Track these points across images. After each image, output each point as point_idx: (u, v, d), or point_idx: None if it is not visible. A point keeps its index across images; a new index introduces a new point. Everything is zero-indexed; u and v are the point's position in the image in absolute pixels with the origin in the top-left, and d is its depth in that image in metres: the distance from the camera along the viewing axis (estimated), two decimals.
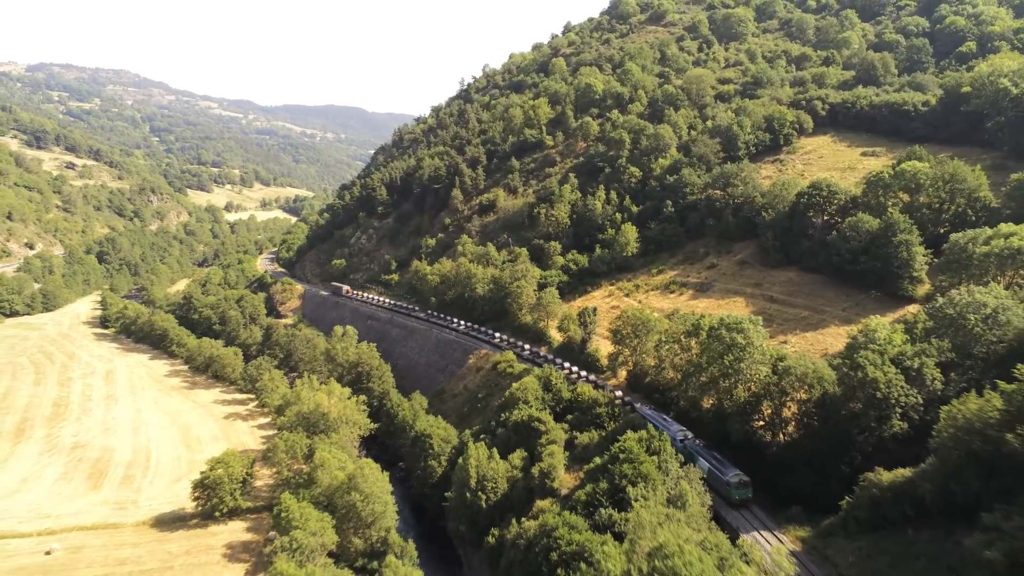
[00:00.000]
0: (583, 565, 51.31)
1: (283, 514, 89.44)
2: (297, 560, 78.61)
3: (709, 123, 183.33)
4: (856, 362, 73.02)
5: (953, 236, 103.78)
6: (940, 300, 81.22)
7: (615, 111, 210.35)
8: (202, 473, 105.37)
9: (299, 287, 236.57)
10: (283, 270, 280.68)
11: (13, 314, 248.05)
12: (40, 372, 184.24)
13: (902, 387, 69.58)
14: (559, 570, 55.25)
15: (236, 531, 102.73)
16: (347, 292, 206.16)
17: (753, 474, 76.81)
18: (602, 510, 65.77)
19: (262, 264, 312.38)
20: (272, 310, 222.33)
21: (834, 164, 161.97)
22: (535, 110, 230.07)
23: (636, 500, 59.55)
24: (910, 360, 72.70)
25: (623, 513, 59.60)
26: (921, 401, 69.52)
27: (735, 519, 72.11)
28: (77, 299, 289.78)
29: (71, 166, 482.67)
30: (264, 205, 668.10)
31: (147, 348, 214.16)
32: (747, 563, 52.59)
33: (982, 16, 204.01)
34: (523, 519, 78.86)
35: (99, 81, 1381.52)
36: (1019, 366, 54.99)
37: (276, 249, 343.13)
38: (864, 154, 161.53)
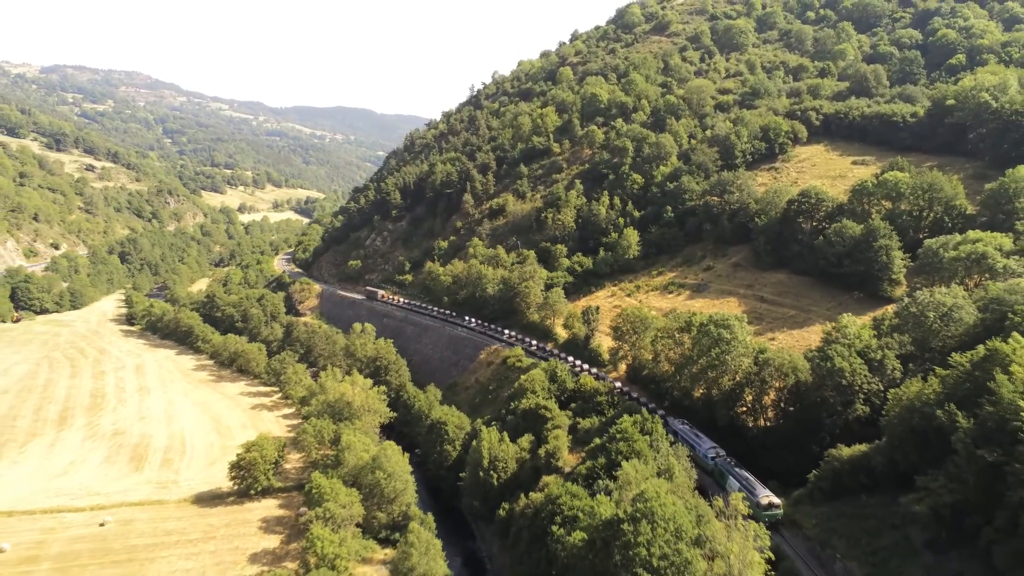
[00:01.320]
0: (580, 515, 61.03)
1: (314, 490, 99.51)
2: (330, 527, 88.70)
3: (708, 132, 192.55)
4: (826, 354, 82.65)
5: (927, 242, 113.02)
6: (906, 300, 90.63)
7: (619, 120, 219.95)
8: (238, 455, 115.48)
9: (316, 287, 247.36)
10: (300, 270, 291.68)
11: (43, 311, 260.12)
12: (75, 366, 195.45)
13: (865, 375, 79.10)
14: (561, 528, 65.08)
15: (270, 508, 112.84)
16: (383, 297, 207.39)
17: (736, 454, 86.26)
18: (599, 481, 75.48)
19: (279, 264, 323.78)
20: (291, 308, 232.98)
21: (826, 172, 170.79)
22: (543, 118, 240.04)
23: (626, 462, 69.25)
24: (874, 352, 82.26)
25: (616, 478, 69.17)
26: (882, 388, 78.82)
27: (716, 491, 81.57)
28: (102, 297, 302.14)
29: (90, 168, 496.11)
30: (276, 206, 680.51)
31: (173, 344, 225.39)
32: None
33: (972, 29, 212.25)
34: (530, 493, 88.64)
35: (112, 83, 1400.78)
36: (954, 355, 64.50)
37: (292, 250, 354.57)
38: (855, 163, 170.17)
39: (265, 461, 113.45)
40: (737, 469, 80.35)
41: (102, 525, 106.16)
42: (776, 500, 72.75)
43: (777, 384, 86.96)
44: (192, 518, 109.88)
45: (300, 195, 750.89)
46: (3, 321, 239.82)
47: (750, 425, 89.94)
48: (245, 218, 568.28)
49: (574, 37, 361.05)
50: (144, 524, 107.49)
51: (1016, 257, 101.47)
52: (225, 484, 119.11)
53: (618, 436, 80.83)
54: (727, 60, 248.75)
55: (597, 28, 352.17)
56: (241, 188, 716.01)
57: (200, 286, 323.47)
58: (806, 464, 78.52)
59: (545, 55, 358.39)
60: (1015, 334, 62.52)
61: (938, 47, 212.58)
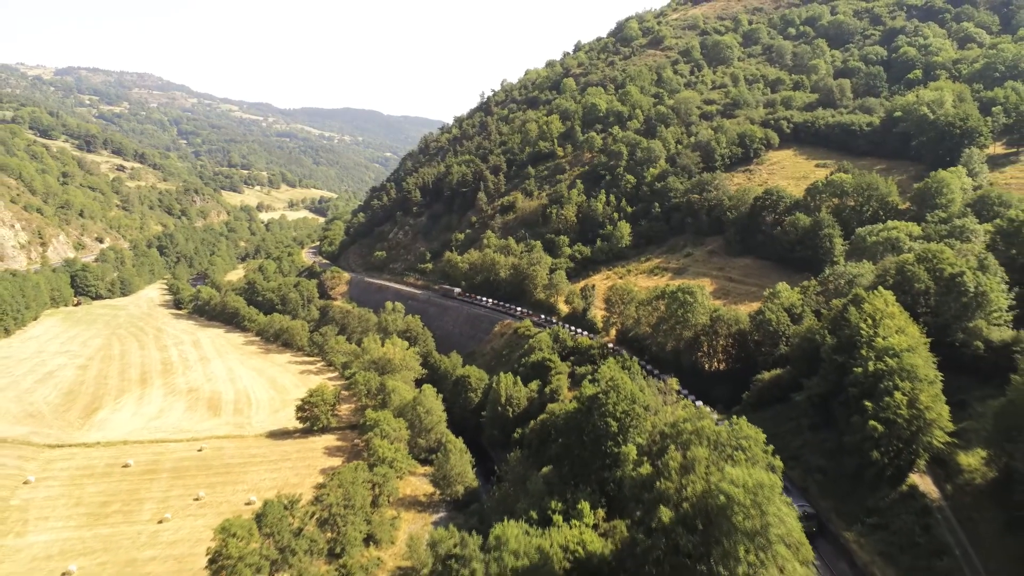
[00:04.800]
0: (572, 401, 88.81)
1: (369, 421, 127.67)
2: (386, 441, 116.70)
3: (693, 139, 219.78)
4: (761, 309, 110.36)
5: (858, 230, 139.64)
6: (826, 272, 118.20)
7: (616, 127, 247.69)
8: (302, 399, 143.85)
9: (346, 275, 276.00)
10: (327, 261, 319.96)
11: (98, 297, 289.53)
12: (140, 341, 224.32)
13: (787, 324, 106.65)
14: (558, 417, 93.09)
15: (330, 441, 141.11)
16: (458, 294, 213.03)
17: (695, 388, 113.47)
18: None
19: (307, 256, 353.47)
20: (323, 294, 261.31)
21: (793, 174, 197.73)
22: (548, 125, 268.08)
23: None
24: (797, 309, 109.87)
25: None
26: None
27: None
28: (146, 286, 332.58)
29: (121, 168, 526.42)
30: (292, 206, 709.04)
31: (220, 324, 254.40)
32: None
33: (930, 47, 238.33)
34: (538, 417, 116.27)
35: (125, 84, 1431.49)
36: (835, 301, 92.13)
37: (317, 244, 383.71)
38: (818, 166, 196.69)
39: (325, 403, 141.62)
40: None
41: (199, 450, 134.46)
42: (811, 510, 72.43)
43: (725, 333, 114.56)
44: (269, 447, 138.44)
45: (314, 195, 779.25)
46: (66, 304, 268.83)
47: (706, 367, 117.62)
48: (264, 216, 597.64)
49: (577, 48, 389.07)
50: (232, 450, 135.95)
51: (921, 241, 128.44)
52: (290, 425, 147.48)
53: (604, 370, 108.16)
54: (714, 73, 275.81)
55: (599, 40, 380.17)
56: (258, 188, 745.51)
57: (232, 277, 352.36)
58: (743, 390, 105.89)
59: (550, 65, 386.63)
60: (880, 287, 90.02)
61: (900, 63, 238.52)
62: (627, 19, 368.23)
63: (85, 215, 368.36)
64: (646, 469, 58.10)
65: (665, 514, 49.66)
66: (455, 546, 62.35)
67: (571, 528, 67.36)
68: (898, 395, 67.13)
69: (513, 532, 60.75)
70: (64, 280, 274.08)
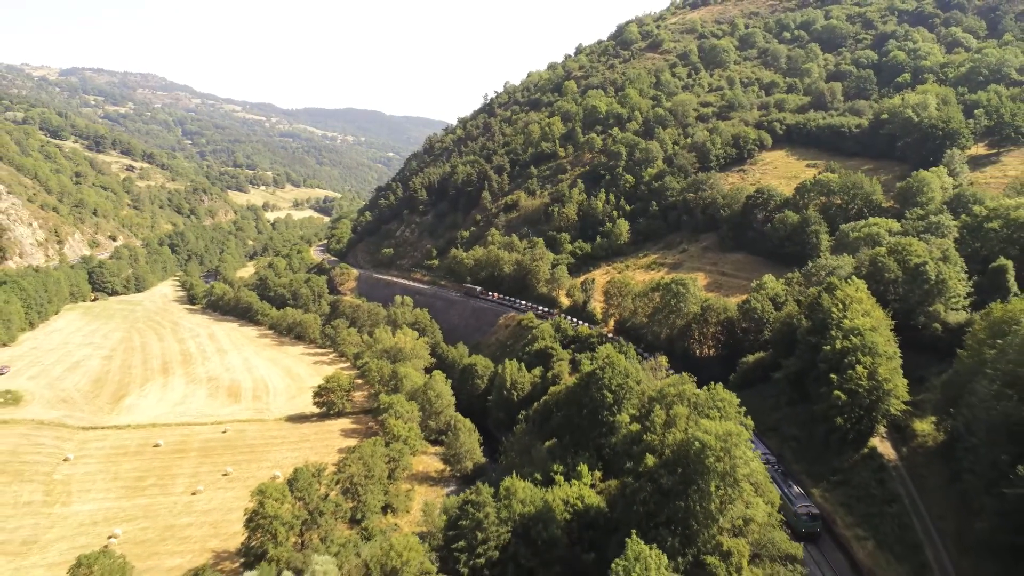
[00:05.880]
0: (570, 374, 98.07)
1: (383, 404, 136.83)
2: (400, 421, 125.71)
3: (689, 140, 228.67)
4: (748, 299, 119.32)
5: (842, 227, 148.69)
6: (809, 265, 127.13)
7: (615, 128, 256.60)
8: (319, 384, 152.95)
9: (354, 271, 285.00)
10: (335, 258, 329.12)
11: (114, 293, 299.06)
12: (158, 334, 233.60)
13: (771, 311, 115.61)
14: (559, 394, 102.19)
15: (345, 424, 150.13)
16: (480, 292, 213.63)
17: (686, 372, 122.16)
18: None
19: (315, 254, 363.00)
20: (333, 290, 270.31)
21: (784, 173, 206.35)
22: (550, 126, 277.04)
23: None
24: (781, 298, 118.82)
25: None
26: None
27: None
28: (159, 283, 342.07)
29: (131, 168, 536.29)
30: (297, 205, 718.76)
31: (233, 319, 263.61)
32: None
33: (919, 51, 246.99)
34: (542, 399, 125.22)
35: (129, 85, 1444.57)
36: (811, 289, 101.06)
37: (325, 242, 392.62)
38: (808, 166, 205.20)
39: (341, 388, 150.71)
40: (782, 477, 78.43)
41: (224, 432, 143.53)
42: (815, 511, 72.23)
43: (714, 321, 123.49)
44: (288, 429, 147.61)
45: (318, 194, 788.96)
46: (84, 300, 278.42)
47: (697, 353, 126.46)
48: (270, 215, 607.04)
49: (578, 51, 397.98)
50: (254, 432, 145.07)
51: (899, 236, 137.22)
52: (307, 410, 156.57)
53: (601, 354, 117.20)
54: (711, 76, 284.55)
55: (599, 43, 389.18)
56: (263, 188, 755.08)
57: (242, 274, 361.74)
58: (731, 374, 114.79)
59: (552, 67, 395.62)
60: (853, 276, 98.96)
61: (890, 66, 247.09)
62: (627, 23, 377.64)
63: (98, 214, 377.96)
64: (635, 427, 67.16)
65: (650, 460, 58.75)
66: (471, 493, 71.21)
67: (571, 487, 76.39)
68: (860, 368, 76.04)
69: (521, 484, 69.80)
70: (82, 276, 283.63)
